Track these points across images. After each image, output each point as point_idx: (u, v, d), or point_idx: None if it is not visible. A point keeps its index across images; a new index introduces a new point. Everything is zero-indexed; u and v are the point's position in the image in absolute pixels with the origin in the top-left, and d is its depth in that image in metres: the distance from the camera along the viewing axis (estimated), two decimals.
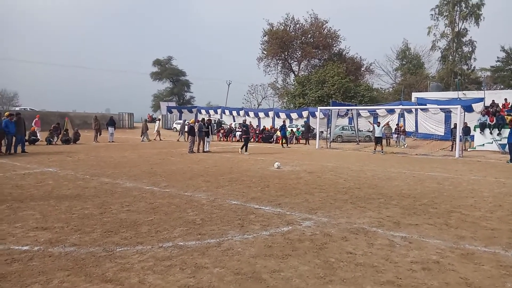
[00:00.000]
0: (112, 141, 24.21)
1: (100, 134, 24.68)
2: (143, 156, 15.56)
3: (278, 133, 28.54)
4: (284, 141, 24.11)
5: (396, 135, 25.46)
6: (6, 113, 16.50)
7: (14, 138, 15.68)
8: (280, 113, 37.66)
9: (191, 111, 44.79)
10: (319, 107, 26.37)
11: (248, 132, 19.35)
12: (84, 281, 3.54)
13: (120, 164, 12.63)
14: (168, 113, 44.16)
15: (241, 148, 18.22)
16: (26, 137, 19.11)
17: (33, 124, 23.49)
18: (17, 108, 45.55)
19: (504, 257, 4.37)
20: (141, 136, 26.67)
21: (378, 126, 20.43)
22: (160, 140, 27.34)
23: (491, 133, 21.35)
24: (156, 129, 28.58)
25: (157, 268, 3.86)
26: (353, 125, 29.40)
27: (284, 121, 26.37)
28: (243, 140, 19.06)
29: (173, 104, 53.76)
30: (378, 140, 20.06)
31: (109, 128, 24.91)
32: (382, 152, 19.66)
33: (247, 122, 27.64)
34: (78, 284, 3.46)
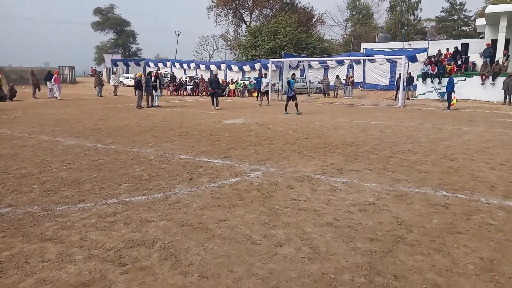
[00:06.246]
0: (53, 97, 22.69)
1: (39, 90, 23.01)
2: (87, 112, 14.80)
3: (231, 86, 28.17)
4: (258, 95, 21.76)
5: (345, 86, 26.05)
6: None
7: None
8: (232, 66, 36.95)
9: (138, 64, 42.55)
10: (271, 59, 26.13)
11: (218, 87, 17.96)
12: (21, 241, 3.41)
13: (61, 121, 11.94)
14: (113, 66, 41.68)
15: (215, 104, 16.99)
16: None
17: (52, 81, 22.13)
18: None
19: (433, 197, 4.76)
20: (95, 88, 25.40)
21: (265, 78, 20.12)
22: (116, 95, 25.94)
23: (432, 82, 22.46)
24: (113, 83, 27.18)
25: (100, 224, 3.80)
26: (304, 77, 29.63)
27: (259, 74, 22.60)
28: (210, 94, 17.90)
29: (118, 56, 50.68)
30: (265, 93, 19.98)
31: (48, 83, 23.17)
32: (261, 104, 19.38)
33: (198, 75, 26.36)
34: (14, 245, 3.33)
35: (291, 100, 15.07)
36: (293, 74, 16.56)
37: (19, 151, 7.28)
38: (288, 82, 15.44)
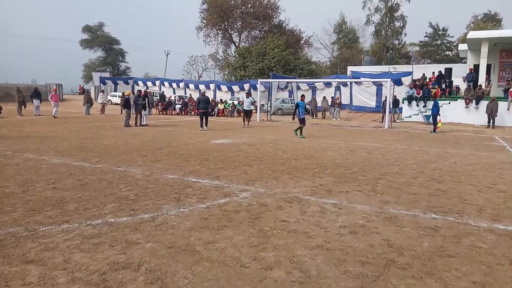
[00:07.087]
0: (39, 115, 22.38)
1: (25, 107, 22.70)
2: (73, 130, 14.60)
3: (220, 106, 28.24)
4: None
5: (332, 108, 26.35)
6: None
7: None
8: (221, 86, 37.22)
9: (127, 83, 42.56)
10: (259, 80, 26.39)
11: (207, 107, 17.16)
12: (1, 263, 3.28)
13: (47, 139, 11.74)
14: (101, 84, 41.49)
15: (203, 125, 16.12)
16: None
17: (49, 98, 21.89)
18: None
19: (422, 219, 4.76)
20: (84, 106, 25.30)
21: (247, 97, 19.29)
22: (103, 113, 25.71)
23: (417, 105, 22.90)
24: (101, 101, 27.05)
25: (84, 246, 3.68)
26: (292, 98, 29.93)
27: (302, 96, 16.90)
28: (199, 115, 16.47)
29: (106, 74, 50.57)
30: (247, 113, 18.74)
31: (34, 101, 22.88)
32: (248, 125, 18.44)
33: (187, 94, 25.89)
34: None
35: (302, 123, 14.16)
36: (302, 96, 15.67)
37: (3, 170, 7.10)
38: (297, 104, 14.55)
